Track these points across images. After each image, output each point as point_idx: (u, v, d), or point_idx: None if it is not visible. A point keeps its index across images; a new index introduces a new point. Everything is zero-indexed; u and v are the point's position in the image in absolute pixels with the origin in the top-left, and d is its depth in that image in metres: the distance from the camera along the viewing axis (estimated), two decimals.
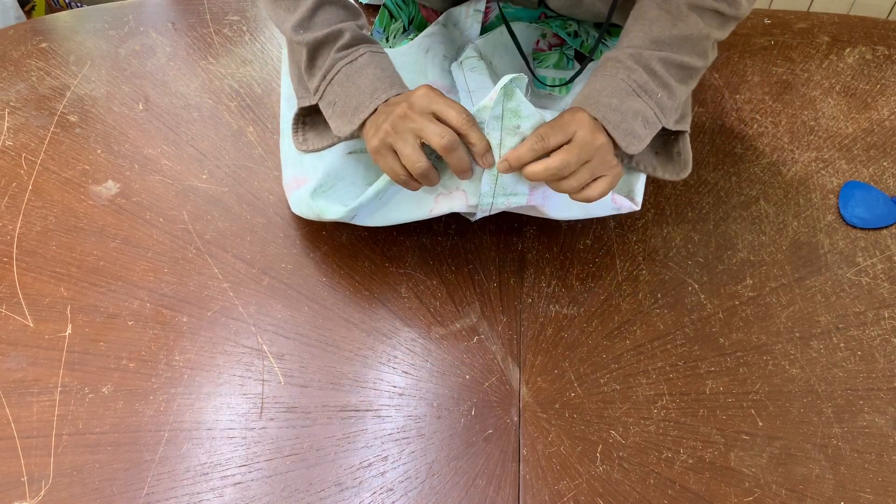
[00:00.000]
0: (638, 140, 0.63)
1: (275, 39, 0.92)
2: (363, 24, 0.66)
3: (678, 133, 0.68)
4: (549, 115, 0.71)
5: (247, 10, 0.97)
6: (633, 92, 0.62)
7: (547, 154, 0.58)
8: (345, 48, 0.63)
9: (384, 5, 0.87)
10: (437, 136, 0.57)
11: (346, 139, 0.66)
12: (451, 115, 0.58)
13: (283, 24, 0.66)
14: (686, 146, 0.68)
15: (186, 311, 0.65)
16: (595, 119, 0.60)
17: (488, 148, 0.58)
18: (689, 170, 0.68)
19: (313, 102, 0.66)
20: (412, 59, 0.79)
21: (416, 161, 0.58)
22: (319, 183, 0.67)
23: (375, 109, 0.61)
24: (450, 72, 0.77)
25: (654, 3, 0.64)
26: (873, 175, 0.77)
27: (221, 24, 0.95)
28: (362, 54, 0.63)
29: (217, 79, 0.87)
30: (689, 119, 0.70)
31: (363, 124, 0.62)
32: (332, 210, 0.65)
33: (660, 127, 0.64)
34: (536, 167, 0.58)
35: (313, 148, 0.68)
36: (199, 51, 0.91)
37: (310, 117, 0.71)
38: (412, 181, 0.60)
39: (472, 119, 0.58)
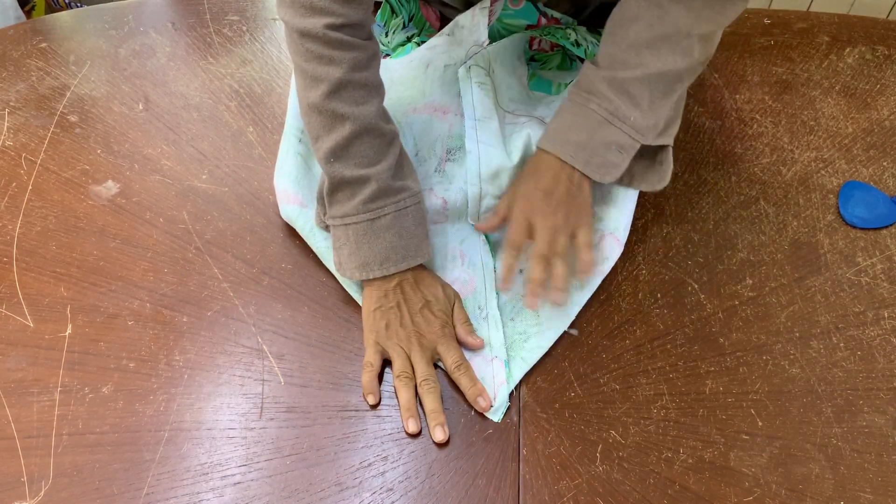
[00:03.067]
0: (614, 168, 0.64)
1: (275, 39, 0.92)
2: (399, 149, 0.65)
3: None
4: (534, 131, 0.72)
5: (247, 10, 0.97)
6: (605, 120, 0.62)
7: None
8: (370, 201, 0.62)
9: (386, 1, 0.87)
10: (422, 383, 0.60)
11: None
12: (448, 361, 0.61)
13: (315, 142, 0.64)
14: (669, 157, 0.68)
15: (186, 311, 0.65)
16: (542, 192, 0.62)
17: (479, 392, 0.59)
18: (667, 181, 0.68)
19: (324, 224, 0.67)
20: (412, 73, 0.79)
21: (369, 390, 0.60)
22: (316, 223, 0.69)
23: (384, 276, 0.63)
24: (452, 83, 0.76)
25: (633, 2, 0.63)
26: (873, 175, 0.77)
27: (221, 24, 0.95)
28: (386, 215, 0.62)
29: (217, 79, 0.87)
30: (676, 128, 0.69)
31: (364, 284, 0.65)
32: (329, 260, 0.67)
33: (637, 147, 0.64)
34: (533, 273, 0.61)
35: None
36: (199, 51, 0.91)
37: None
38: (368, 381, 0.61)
39: (468, 367, 0.60)
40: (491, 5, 0.78)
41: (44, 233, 0.71)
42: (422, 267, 0.65)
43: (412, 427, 0.58)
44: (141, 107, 0.84)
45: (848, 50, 0.92)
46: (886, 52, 0.91)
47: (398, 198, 0.63)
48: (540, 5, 0.80)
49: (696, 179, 0.77)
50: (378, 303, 0.63)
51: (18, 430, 0.58)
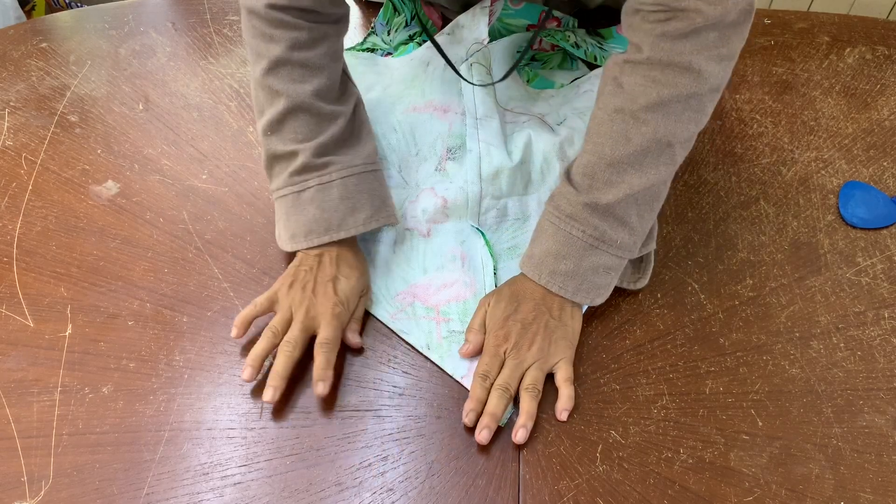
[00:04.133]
0: (604, 289, 0.62)
1: None
2: (338, 128, 0.66)
3: None
4: (535, 131, 0.72)
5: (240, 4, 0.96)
6: (591, 246, 0.60)
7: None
8: (296, 174, 0.64)
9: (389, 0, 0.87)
10: (284, 343, 0.60)
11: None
12: (319, 336, 0.60)
13: (259, 116, 0.66)
14: (651, 258, 0.67)
15: (186, 311, 0.65)
16: (525, 327, 0.60)
17: (322, 378, 0.59)
18: (647, 282, 0.66)
19: (271, 196, 0.68)
20: (412, 72, 0.79)
21: (238, 322, 0.62)
22: None
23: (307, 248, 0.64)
24: (452, 82, 0.76)
25: (607, 113, 0.59)
26: (873, 175, 0.77)
27: (221, 24, 0.95)
28: (309, 188, 0.64)
29: (217, 79, 0.87)
30: (656, 229, 0.67)
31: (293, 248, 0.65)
32: None
33: (625, 263, 0.63)
34: (485, 429, 0.57)
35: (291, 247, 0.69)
36: (199, 51, 0.91)
37: None
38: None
39: (332, 350, 0.60)
40: (491, 5, 0.78)
41: (44, 233, 0.71)
42: (352, 249, 0.66)
43: (246, 375, 0.59)
44: (141, 107, 0.84)
45: (848, 50, 0.92)
46: (886, 52, 0.91)
47: (322, 172, 0.64)
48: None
49: (696, 179, 0.77)
50: (298, 261, 0.64)
51: (18, 430, 0.58)
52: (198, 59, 0.90)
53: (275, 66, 0.64)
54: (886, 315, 0.66)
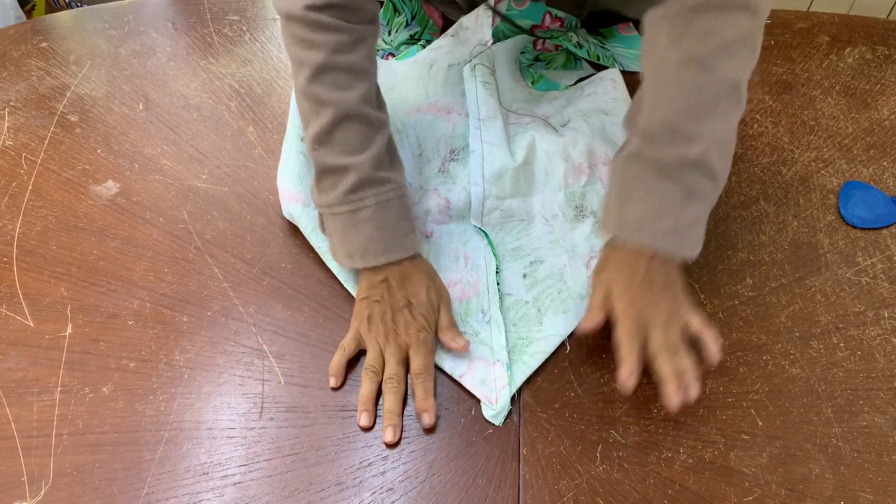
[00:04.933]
0: (699, 242, 0.61)
1: (275, 39, 0.92)
2: (385, 138, 0.64)
3: None
4: (539, 133, 0.72)
5: (247, 9, 0.97)
6: (685, 199, 0.59)
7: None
8: (352, 192, 0.62)
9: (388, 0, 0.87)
10: (386, 381, 0.60)
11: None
12: (412, 366, 0.60)
13: (305, 127, 0.64)
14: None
15: (186, 311, 0.65)
16: (635, 293, 0.59)
17: (426, 408, 0.59)
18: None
19: (316, 211, 0.66)
20: (415, 74, 0.79)
21: (334, 372, 0.61)
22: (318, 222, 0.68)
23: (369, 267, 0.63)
24: (456, 83, 0.76)
25: (676, 63, 0.58)
26: (873, 175, 0.77)
27: (221, 23, 0.95)
28: (367, 207, 0.62)
29: (217, 79, 0.87)
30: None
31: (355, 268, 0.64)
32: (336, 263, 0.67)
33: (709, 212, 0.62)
34: (674, 395, 0.56)
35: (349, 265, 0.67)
36: (199, 51, 0.91)
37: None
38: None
39: (428, 378, 0.60)
40: (495, 5, 0.78)
41: (44, 233, 0.71)
42: (413, 263, 0.64)
43: (363, 421, 0.58)
44: (141, 107, 0.84)
45: (848, 50, 0.92)
46: (886, 52, 0.91)
47: (379, 190, 0.62)
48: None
49: None
50: (366, 293, 0.63)
51: (18, 430, 0.58)
52: (198, 59, 0.90)
53: (318, 73, 0.62)
54: (886, 315, 0.66)
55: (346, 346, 0.62)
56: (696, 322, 0.59)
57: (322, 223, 0.66)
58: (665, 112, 0.59)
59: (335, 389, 0.60)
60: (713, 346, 0.58)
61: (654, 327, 0.58)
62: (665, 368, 0.56)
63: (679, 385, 0.56)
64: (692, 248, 0.60)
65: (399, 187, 0.64)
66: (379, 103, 0.66)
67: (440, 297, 0.64)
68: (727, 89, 0.58)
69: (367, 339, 0.62)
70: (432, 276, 0.65)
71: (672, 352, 0.57)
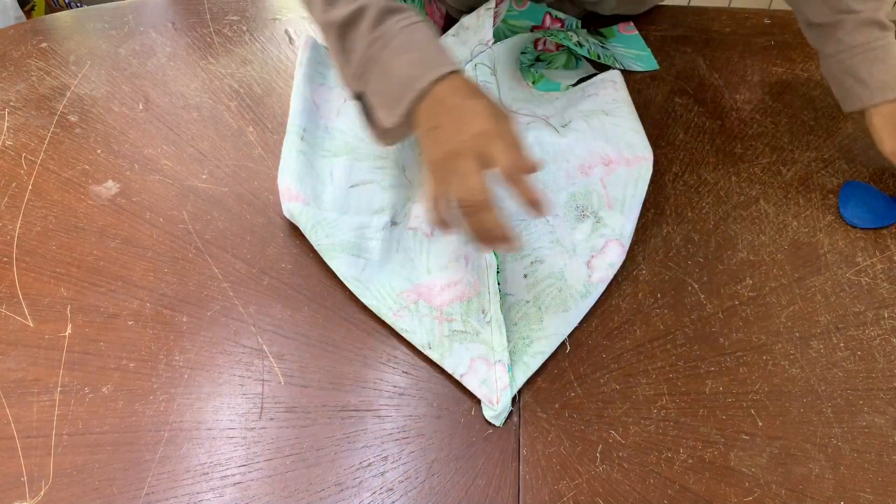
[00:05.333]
0: None
1: (275, 39, 0.92)
2: None
3: None
4: (540, 133, 0.72)
5: (247, 9, 0.97)
6: None
7: None
8: (374, 27, 0.56)
9: None
10: (474, 192, 0.51)
11: (399, 133, 0.59)
12: (501, 164, 0.51)
13: (310, 6, 0.60)
14: None
15: (186, 311, 0.65)
16: None
17: (538, 201, 0.52)
18: None
19: (354, 92, 0.60)
20: None
21: (477, 192, 0.51)
22: (319, 219, 0.68)
23: (418, 99, 0.54)
24: None
25: None
26: (874, 175, 0.77)
27: (221, 24, 0.95)
28: (395, 35, 0.56)
29: (217, 79, 0.87)
30: None
31: (409, 117, 0.56)
32: (338, 261, 0.67)
33: None
34: None
35: (391, 140, 0.63)
36: (199, 51, 0.91)
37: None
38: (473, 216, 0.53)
39: (527, 164, 0.51)
40: (496, 6, 0.78)
41: (44, 233, 0.71)
42: (460, 78, 0.55)
43: (514, 246, 0.53)
44: (141, 107, 0.84)
45: None
46: None
47: (402, 15, 0.57)
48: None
49: (696, 179, 0.77)
50: (435, 150, 0.54)
51: (18, 430, 0.58)
52: (198, 59, 0.90)
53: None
54: (886, 315, 0.66)
55: (436, 209, 0.54)
56: None
57: (363, 109, 0.60)
58: None
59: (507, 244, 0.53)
60: None
61: None
62: None
63: None
64: None
65: (419, 13, 0.59)
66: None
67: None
68: None
69: (441, 183, 0.54)
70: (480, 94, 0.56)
71: None
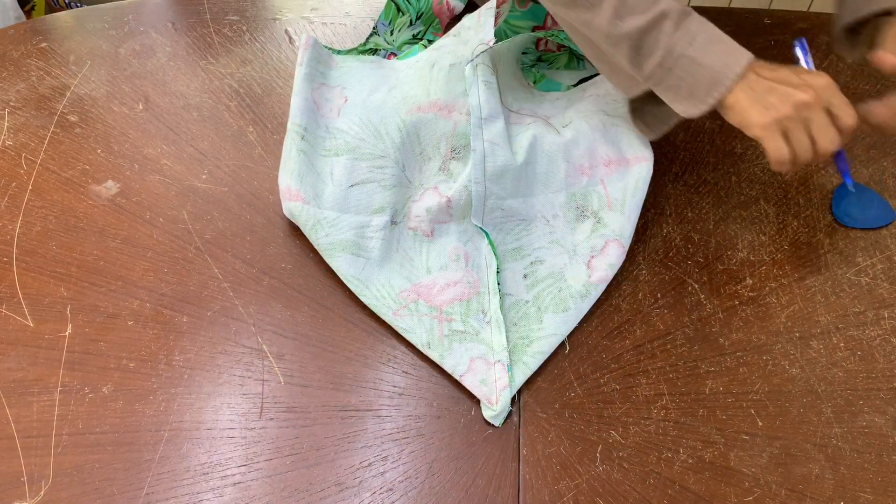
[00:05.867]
0: None
1: (275, 39, 0.92)
2: None
3: None
4: (540, 132, 0.72)
5: (247, 10, 0.97)
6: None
7: None
8: (677, 28, 0.60)
9: (391, 0, 0.87)
10: (829, 144, 0.58)
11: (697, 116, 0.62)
12: (844, 121, 0.58)
13: (591, 22, 0.62)
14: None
15: (186, 311, 0.65)
16: None
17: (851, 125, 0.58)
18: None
19: (645, 89, 0.64)
20: (417, 73, 0.79)
21: (830, 143, 0.58)
22: (319, 218, 0.68)
23: (736, 81, 0.59)
24: (457, 82, 0.76)
25: None
26: (873, 175, 0.77)
27: (221, 24, 0.95)
28: (699, 32, 0.60)
29: (217, 79, 0.87)
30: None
31: (724, 98, 0.60)
32: (338, 259, 0.67)
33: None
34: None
35: (659, 133, 0.69)
36: (199, 51, 0.91)
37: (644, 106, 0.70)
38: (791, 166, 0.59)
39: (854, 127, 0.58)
40: (498, 6, 0.78)
41: (44, 233, 0.71)
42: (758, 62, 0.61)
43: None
44: (141, 107, 0.84)
45: None
46: None
47: (695, 15, 0.61)
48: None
49: (696, 179, 0.77)
50: (767, 114, 0.60)
51: (18, 430, 0.58)
52: (198, 59, 0.90)
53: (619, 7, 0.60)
54: (886, 315, 0.66)
55: (787, 156, 0.60)
56: None
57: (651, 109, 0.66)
58: None
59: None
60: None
61: None
62: None
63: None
64: None
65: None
66: None
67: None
68: None
69: (795, 129, 0.60)
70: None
71: None
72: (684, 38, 0.60)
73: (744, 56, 0.60)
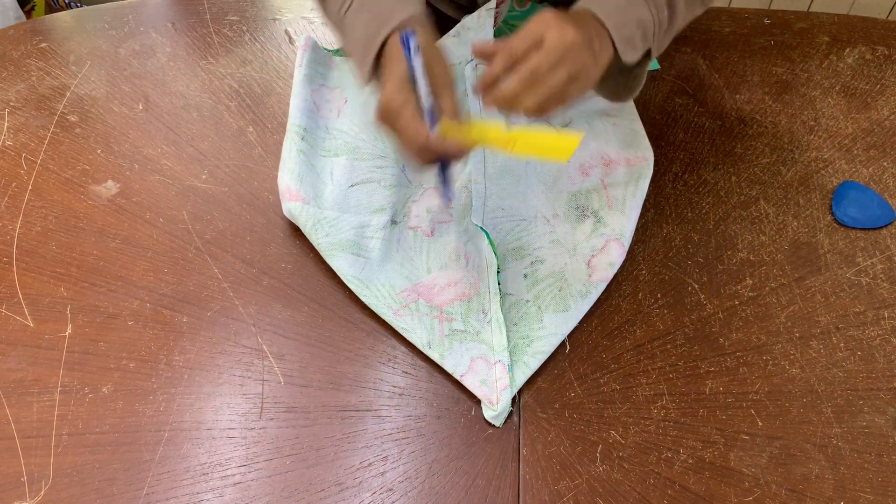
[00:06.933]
0: (632, 50, 0.60)
1: (275, 39, 0.92)
2: None
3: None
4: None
5: (247, 10, 0.97)
6: (642, 1, 0.59)
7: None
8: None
9: None
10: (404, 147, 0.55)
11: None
12: (406, 143, 0.55)
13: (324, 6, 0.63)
14: (644, 72, 0.66)
15: (186, 311, 0.65)
16: (565, 19, 0.55)
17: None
18: (638, 93, 0.66)
19: (339, 54, 0.64)
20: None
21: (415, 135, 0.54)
22: (319, 218, 0.68)
23: (376, 59, 0.58)
24: (458, 82, 0.76)
25: None
26: (873, 175, 0.77)
27: (221, 24, 0.95)
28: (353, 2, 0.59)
29: (217, 79, 0.87)
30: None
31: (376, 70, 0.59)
32: (338, 259, 0.67)
33: (646, 48, 0.61)
34: (510, 84, 0.53)
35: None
36: (199, 51, 0.91)
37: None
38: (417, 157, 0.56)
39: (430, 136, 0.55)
40: (497, 6, 0.78)
41: (44, 233, 0.71)
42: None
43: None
44: (141, 107, 0.84)
45: (848, 50, 0.92)
46: (886, 52, 0.91)
47: None
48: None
49: (696, 179, 0.77)
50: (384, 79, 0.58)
51: (18, 430, 0.58)
52: (198, 59, 0.90)
53: None
54: (886, 315, 0.66)
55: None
56: (574, 89, 0.56)
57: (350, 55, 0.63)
58: None
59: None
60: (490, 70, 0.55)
61: (547, 48, 0.54)
62: (508, 87, 0.54)
63: (500, 104, 0.54)
64: (627, 45, 0.59)
65: None
66: None
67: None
68: None
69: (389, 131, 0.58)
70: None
71: (536, 74, 0.54)
72: (345, 3, 0.60)
73: (383, 30, 0.57)
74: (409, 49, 0.55)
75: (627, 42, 0.59)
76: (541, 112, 0.55)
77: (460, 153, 0.55)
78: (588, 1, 0.60)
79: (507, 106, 0.54)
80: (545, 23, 0.55)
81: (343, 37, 0.62)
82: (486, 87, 0.55)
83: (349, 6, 0.60)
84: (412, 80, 0.55)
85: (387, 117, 0.55)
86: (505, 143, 0.55)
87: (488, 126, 0.56)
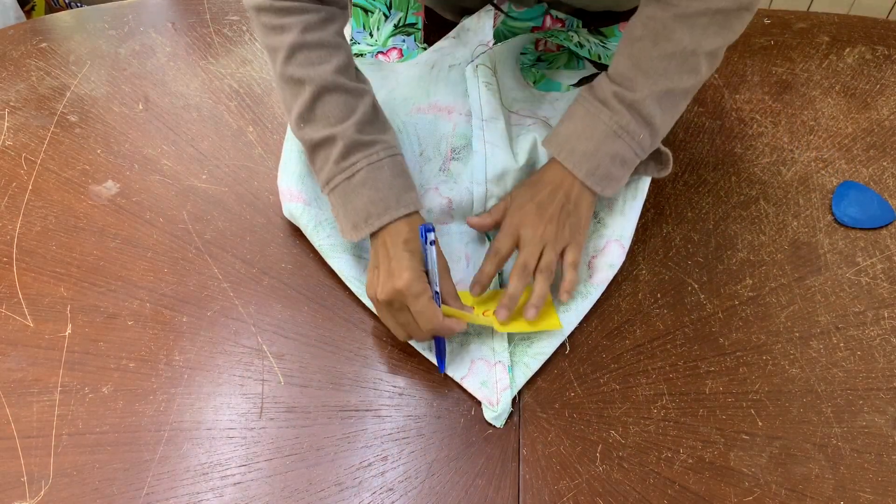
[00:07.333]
0: (615, 182, 0.64)
1: None
2: (368, 105, 0.64)
3: None
4: (541, 135, 0.72)
5: (247, 10, 0.97)
6: (615, 133, 0.63)
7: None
8: (342, 159, 0.61)
9: (353, 5, 0.85)
10: (416, 333, 0.60)
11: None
12: (422, 325, 0.58)
13: (288, 114, 0.65)
14: (668, 153, 0.69)
15: (186, 311, 0.65)
16: (536, 201, 0.63)
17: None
18: (671, 167, 0.68)
19: (323, 194, 0.66)
20: (417, 74, 0.79)
21: (429, 321, 0.58)
22: (321, 220, 0.68)
23: (373, 233, 0.62)
24: (457, 83, 0.76)
25: (641, 20, 0.63)
26: (873, 175, 0.77)
27: (221, 24, 0.95)
28: (358, 171, 0.61)
29: (217, 79, 0.87)
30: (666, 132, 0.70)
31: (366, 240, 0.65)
32: (339, 261, 0.67)
33: (638, 161, 0.65)
34: (510, 289, 0.61)
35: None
36: (199, 51, 0.91)
37: None
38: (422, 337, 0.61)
39: (439, 324, 0.59)
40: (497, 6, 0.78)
41: (44, 233, 0.71)
42: (408, 224, 0.62)
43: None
44: (141, 107, 0.84)
45: (848, 50, 0.92)
46: (886, 52, 0.91)
47: (369, 151, 0.62)
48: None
49: (696, 179, 0.77)
50: (378, 289, 0.61)
51: (18, 430, 0.58)
52: (198, 59, 0.90)
53: (291, 54, 0.62)
54: (886, 315, 0.66)
55: (401, 334, 0.62)
56: (567, 259, 0.64)
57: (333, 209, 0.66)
58: (620, 57, 0.64)
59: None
60: (563, 287, 0.63)
61: (524, 248, 0.62)
62: (511, 286, 0.62)
63: (510, 307, 0.61)
64: (604, 184, 0.64)
65: (389, 147, 0.63)
66: (357, 75, 0.66)
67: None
68: (680, 53, 0.61)
69: (393, 317, 0.61)
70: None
71: (527, 275, 0.62)
72: (346, 171, 0.62)
73: (383, 215, 0.61)
74: (425, 240, 0.60)
75: (604, 178, 0.64)
76: (552, 276, 0.63)
77: (459, 330, 0.60)
78: (560, 146, 0.65)
79: (513, 301, 0.62)
80: (520, 219, 0.63)
81: (335, 198, 0.63)
82: (480, 283, 0.64)
83: (352, 174, 0.62)
84: (425, 268, 0.60)
85: (402, 299, 0.58)
86: (498, 326, 0.62)
87: (485, 310, 0.64)
